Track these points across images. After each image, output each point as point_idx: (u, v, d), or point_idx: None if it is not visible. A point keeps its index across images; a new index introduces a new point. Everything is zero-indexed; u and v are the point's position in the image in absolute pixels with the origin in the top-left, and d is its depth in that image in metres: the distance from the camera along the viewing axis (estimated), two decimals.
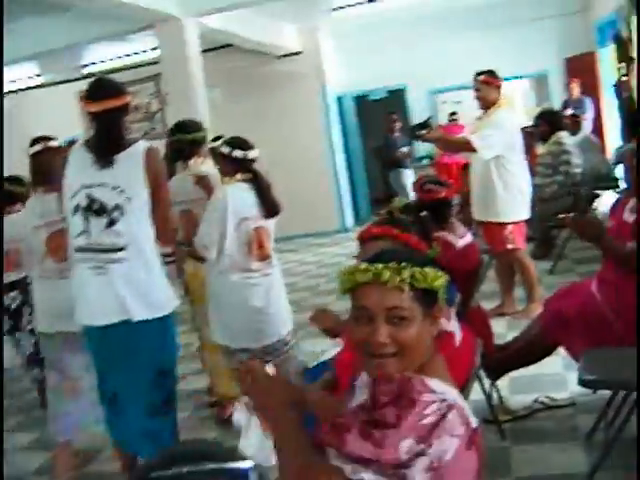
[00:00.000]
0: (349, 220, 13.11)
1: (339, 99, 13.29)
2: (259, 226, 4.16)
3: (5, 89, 12.15)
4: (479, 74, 5.99)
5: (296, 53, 12.34)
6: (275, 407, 1.93)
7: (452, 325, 2.65)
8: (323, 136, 12.64)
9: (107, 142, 3.33)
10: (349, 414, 1.93)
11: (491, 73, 5.99)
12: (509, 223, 5.94)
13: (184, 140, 4.71)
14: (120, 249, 3.29)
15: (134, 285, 3.31)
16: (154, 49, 11.15)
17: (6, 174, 5.11)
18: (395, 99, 13.78)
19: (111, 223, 3.28)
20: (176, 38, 7.98)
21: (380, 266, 1.85)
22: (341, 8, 10.88)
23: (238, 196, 4.11)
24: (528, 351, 4.04)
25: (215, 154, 4.48)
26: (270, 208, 4.18)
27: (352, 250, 10.09)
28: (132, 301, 3.29)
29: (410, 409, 1.76)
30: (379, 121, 14.27)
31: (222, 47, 11.19)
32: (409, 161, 12.17)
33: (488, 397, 3.94)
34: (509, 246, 5.96)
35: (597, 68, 12.12)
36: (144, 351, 3.37)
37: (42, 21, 8.30)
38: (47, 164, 3.93)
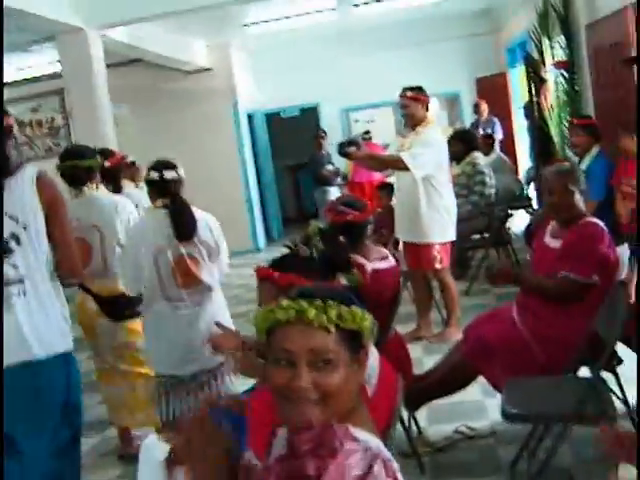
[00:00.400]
0: (261, 240, 12.90)
1: (250, 116, 13.10)
2: (180, 254, 3.91)
3: None
4: (406, 90, 5.85)
5: (206, 69, 12.09)
6: (212, 460, 1.83)
7: (372, 361, 2.47)
8: (234, 154, 12.39)
9: None
10: (267, 467, 1.73)
11: (419, 89, 5.86)
12: (437, 243, 5.87)
13: (80, 166, 4.42)
14: (20, 281, 3.02)
15: (34, 321, 3.04)
16: (59, 61, 10.81)
17: None
18: (308, 117, 13.71)
19: (8, 253, 3.00)
20: (79, 50, 7.60)
21: (304, 303, 1.66)
22: (254, 24, 10.67)
23: (151, 226, 3.92)
24: (449, 380, 3.92)
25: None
26: (180, 233, 3.94)
27: None
28: (32, 339, 3.01)
29: (332, 459, 1.57)
30: (291, 139, 14.21)
31: (130, 62, 10.87)
32: (336, 179, 12.00)
33: (406, 429, 3.80)
34: (437, 266, 5.88)
35: (508, 89, 12.31)
36: (48, 391, 3.11)
37: None
38: None
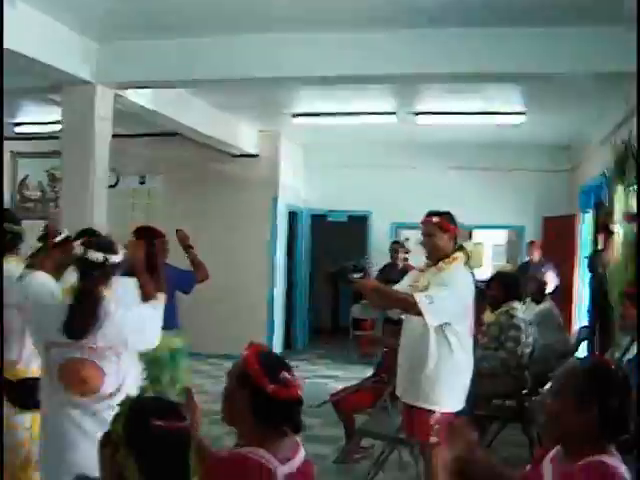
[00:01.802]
0: (277, 347, 11.81)
1: (294, 214, 12.26)
2: (73, 357, 3.32)
3: None
4: (432, 214, 4.79)
5: (252, 155, 11.34)
6: None
7: None
8: (266, 251, 11.50)
9: None
10: None
11: (448, 216, 4.80)
12: (438, 412, 4.65)
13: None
14: None
15: None
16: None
17: None
18: (356, 225, 12.77)
19: None
20: (82, 106, 6.78)
21: None
22: (306, 115, 9.85)
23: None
24: None
25: None
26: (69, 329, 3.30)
27: None
28: None
29: None
30: (337, 245, 13.33)
31: (170, 134, 10.16)
32: None
33: None
34: (432, 439, 4.67)
35: (576, 233, 11.15)
36: None
37: None
38: None
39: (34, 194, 12.05)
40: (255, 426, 2.52)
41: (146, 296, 3.72)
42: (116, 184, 12.11)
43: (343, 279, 4.80)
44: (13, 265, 3.99)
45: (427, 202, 11.19)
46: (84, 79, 6.59)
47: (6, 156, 12.15)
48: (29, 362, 3.99)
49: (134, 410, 2.07)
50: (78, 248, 3.42)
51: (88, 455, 2.91)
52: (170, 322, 5.42)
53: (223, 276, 11.41)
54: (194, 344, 11.20)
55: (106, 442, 2.05)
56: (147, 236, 5.61)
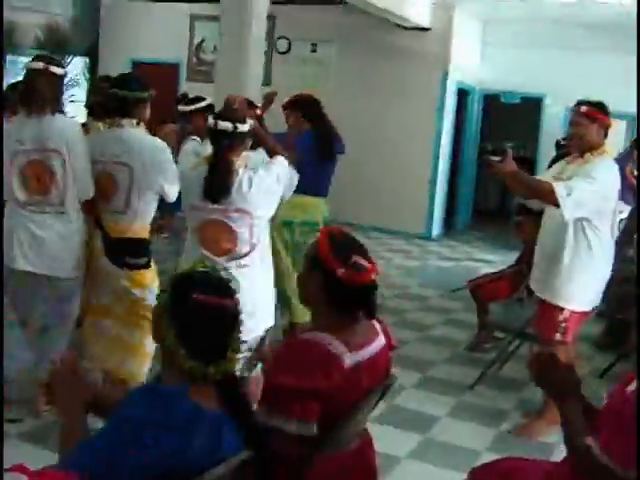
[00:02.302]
0: (436, 228, 11.73)
1: (463, 92, 11.85)
2: (209, 218, 3.70)
3: None
4: (582, 103, 4.51)
5: (424, 29, 10.95)
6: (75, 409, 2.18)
7: None
8: (431, 128, 11.22)
9: None
10: None
11: (600, 107, 4.51)
12: (568, 310, 4.50)
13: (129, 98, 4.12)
14: None
15: None
16: None
17: None
18: (530, 108, 12.20)
19: None
20: None
21: None
22: None
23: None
24: None
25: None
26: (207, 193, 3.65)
27: (429, 264, 8.68)
28: None
29: None
30: (508, 128, 12.89)
31: (341, 2, 9.95)
32: None
33: None
34: (557, 336, 4.52)
35: None
36: None
37: None
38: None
39: (209, 57, 12.25)
40: (328, 311, 2.49)
41: (274, 154, 3.95)
42: (287, 51, 12.18)
43: (482, 160, 4.65)
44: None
45: (605, 90, 10.55)
46: None
47: (184, 18, 12.48)
48: (132, 220, 4.13)
49: (178, 283, 2.11)
50: (210, 119, 3.63)
51: None
52: (314, 189, 5.61)
53: (386, 150, 11.37)
54: (354, 216, 11.42)
55: (154, 312, 2.13)
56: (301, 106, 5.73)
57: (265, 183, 3.66)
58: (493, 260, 9.91)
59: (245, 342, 3.31)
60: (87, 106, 5.18)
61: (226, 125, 3.56)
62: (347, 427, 2.48)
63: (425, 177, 11.33)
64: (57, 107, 4.00)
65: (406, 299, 7.84)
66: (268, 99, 4.84)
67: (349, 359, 2.40)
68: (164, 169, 4.05)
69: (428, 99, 11.11)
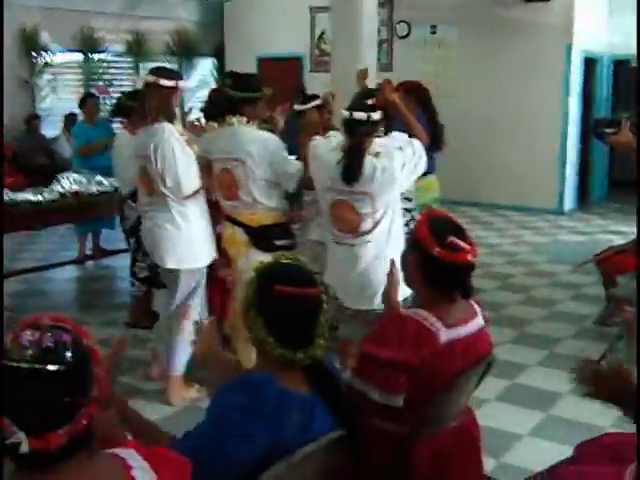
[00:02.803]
0: (569, 202, 11.47)
1: (589, 60, 11.52)
2: (339, 199, 3.94)
3: None
4: None
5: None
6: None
7: None
8: (558, 101, 11.00)
9: None
10: None
11: None
12: None
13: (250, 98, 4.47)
14: None
15: None
16: None
17: None
18: None
19: None
20: None
21: None
22: None
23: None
24: None
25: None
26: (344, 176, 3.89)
27: (559, 239, 8.75)
28: None
29: None
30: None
31: None
32: None
33: None
34: None
35: None
36: None
37: None
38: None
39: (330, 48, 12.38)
40: (425, 290, 2.59)
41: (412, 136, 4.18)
42: (407, 35, 12.19)
43: (596, 132, 4.60)
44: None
45: None
46: None
47: (305, 10, 12.69)
48: (265, 209, 4.42)
49: (263, 276, 2.22)
50: (344, 112, 3.90)
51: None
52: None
53: (512, 128, 11.23)
54: (481, 194, 11.36)
55: (243, 303, 2.24)
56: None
57: (387, 171, 3.82)
58: (628, 232, 9.62)
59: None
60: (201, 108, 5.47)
61: (360, 115, 3.82)
62: (446, 405, 2.58)
63: (555, 152, 11.11)
64: (161, 117, 4.29)
65: (534, 276, 7.79)
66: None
67: (444, 335, 2.49)
68: (276, 160, 4.35)
69: (554, 72, 10.87)
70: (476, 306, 2.70)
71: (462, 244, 2.52)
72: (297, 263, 2.29)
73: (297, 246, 4.58)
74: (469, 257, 2.53)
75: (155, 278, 4.69)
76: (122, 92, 6.05)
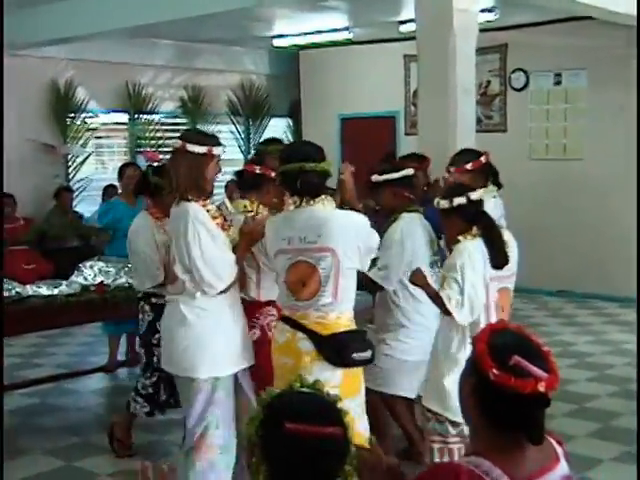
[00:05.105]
0: None
1: None
2: None
3: (307, 40, 11.61)
4: None
5: None
6: None
7: None
8: None
9: None
10: None
11: None
12: None
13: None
14: None
15: None
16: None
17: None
18: None
19: None
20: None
21: None
22: None
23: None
24: None
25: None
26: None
27: None
28: None
29: None
30: None
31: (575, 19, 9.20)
32: None
33: None
34: None
35: None
36: None
37: None
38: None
39: None
40: (484, 427, 2.19)
41: None
42: (524, 87, 11.26)
43: None
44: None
45: None
46: None
47: (398, 61, 11.99)
48: (343, 309, 4.03)
49: (269, 409, 2.01)
50: (443, 201, 4.06)
51: None
52: None
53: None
54: (549, 281, 10.20)
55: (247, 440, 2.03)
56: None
57: None
58: None
59: None
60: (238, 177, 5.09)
61: (460, 200, 3.99)
62: None
63: None
64: (191, 192, 4.00)
65: None
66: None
67: None
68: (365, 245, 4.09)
69: None
70: (556, 445, 2.26)
71: (532, 368, 2.10)
72: (315, 391, 2.08)
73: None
74: (540, 386, 2.09)
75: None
76: (149, 165, 5.53)
